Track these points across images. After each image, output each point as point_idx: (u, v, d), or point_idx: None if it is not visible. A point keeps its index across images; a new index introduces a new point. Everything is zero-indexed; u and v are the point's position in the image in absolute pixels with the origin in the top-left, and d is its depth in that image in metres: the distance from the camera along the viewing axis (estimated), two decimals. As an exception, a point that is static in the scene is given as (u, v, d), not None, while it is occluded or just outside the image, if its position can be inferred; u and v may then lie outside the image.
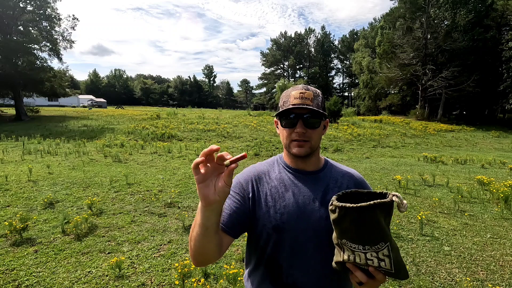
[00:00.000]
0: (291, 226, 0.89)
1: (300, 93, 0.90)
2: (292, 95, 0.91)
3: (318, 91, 0.94)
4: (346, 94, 68.01)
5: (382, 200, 0.67)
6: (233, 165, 0.66)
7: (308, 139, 0.90)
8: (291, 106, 0.88)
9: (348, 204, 0.67)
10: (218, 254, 0.82)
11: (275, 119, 1.01)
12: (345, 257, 0.72)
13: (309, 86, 0.93)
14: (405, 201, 0.68)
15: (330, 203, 0.74)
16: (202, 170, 0.68)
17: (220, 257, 0.84)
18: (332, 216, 0.72)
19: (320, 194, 0.93)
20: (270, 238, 0.91)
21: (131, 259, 3.15)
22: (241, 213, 0.92)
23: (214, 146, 0.67)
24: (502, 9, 25.90)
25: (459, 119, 29.70)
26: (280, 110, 0.92)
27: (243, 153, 0.67)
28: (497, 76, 26.25)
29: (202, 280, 2.76)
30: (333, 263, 0.77)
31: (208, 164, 0.69)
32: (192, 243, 0.80)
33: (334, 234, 0.75)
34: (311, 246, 0.88)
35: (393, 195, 0.69)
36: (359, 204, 0.66)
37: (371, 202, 0.66)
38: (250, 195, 0.95)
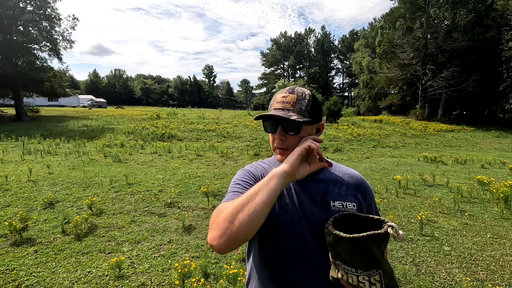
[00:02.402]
0: (290, 228, 0.88)
1: (283, 97, 0.89)
2: (276, 98, 0.91)
3: (306, 92, 0.90)
4: (346, 94, 68.03)
5: (376, 232, 0.67)
6: (326, 164, 0.87)
7: (287, 147, 0.89)
8: (272, 112, 0.87)
9: (342, 234, 0.69)
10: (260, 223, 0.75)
11: None
12: (339, 275, 0.74)
13: (296, 88, 0.90)
14: (401, 232, 0.68)
15: (326, 226, 0.75)
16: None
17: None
18: (328, 239, 0.74)
19: (320, 195, 0.92)
20: (270, 239, 0.90)
21: (131, 259, 3.15)
22: None
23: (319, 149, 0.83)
24: (502, 9, 25.90)
25: (459, 119, 29.69)
26: (258, 115, 0.91)
27: (331, 161, 0.85)
28: (497, 76, 26.24)
29: (202, 280, 2.76)
30: (330, 276, 0.80)
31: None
32: (249, 213, 0.71)
33: (330, 253, 0.77)
34: (311, 247, 0.88)
35: (389, 226, 0.69)
36: (352, 236, 0.67)
37: (364, 234, 0.67)
38: None
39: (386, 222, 0.72)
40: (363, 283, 0.70)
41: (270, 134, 0.94)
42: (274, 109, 0.89)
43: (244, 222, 0.71)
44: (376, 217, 0.77)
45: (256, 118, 0.91)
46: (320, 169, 0.99)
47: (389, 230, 0.68)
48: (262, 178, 0.94)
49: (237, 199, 0.77)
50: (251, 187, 0.83)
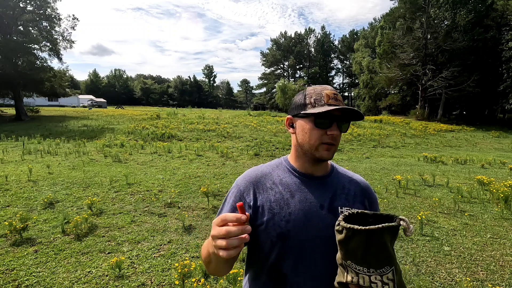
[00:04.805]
0: (297, 234, 0.85)
1: (334, 93, 0.87)
2: (325, 94, 0.87)
3: None
4: (346, 94, 67.96)
5: (391, 224, 0.66)
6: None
7: (336, 143, 0.87)
8: (331, 108, 0.82)
9: (357, 226, 0.66)
10: (232, 266, 0.91)
11: (288, 115, 0.96)
12: (349, 278, 0.71)
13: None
14: (411, 226, 0.68)
15: (336, 223, 0.73)
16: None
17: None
18: (339, 237, 0.71)
19: (327, 200, 0.90)
20: (274, 246, 0.87)
21: (131, 259, 3.15)
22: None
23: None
24: (502, 9, 25.88)
25: (459, 119, 29.68)
26: (317, 107, 0.86)
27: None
28: (497, 76, 26.23)
29: (202, 280, 2.76)
30: (335, 283, 0.76)
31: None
32: (210, 268, 0.87)
33: (338, 254, 0.74)
34: (317, 254, 0.85)
35: (401, 219, 0.68)
36: (368, 227, 0.65)
37: (380, 225, 0.65)
38: (252, 203, 0.91)
39: (397, 217, 0.71)
40: (375, 283, 0.67)
41: (315, 130, 0.87)
42: (328, 104, 0.85)
43: (211, 272, 0.89)
44: (384, 213, 0.76)
45: (324, 113, 0.84)
46: (328, 173, 0.97)
47: (402, 223, 0.67)
48: (254, 190, 0.93)
49: (204, 249, 0.88)
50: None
